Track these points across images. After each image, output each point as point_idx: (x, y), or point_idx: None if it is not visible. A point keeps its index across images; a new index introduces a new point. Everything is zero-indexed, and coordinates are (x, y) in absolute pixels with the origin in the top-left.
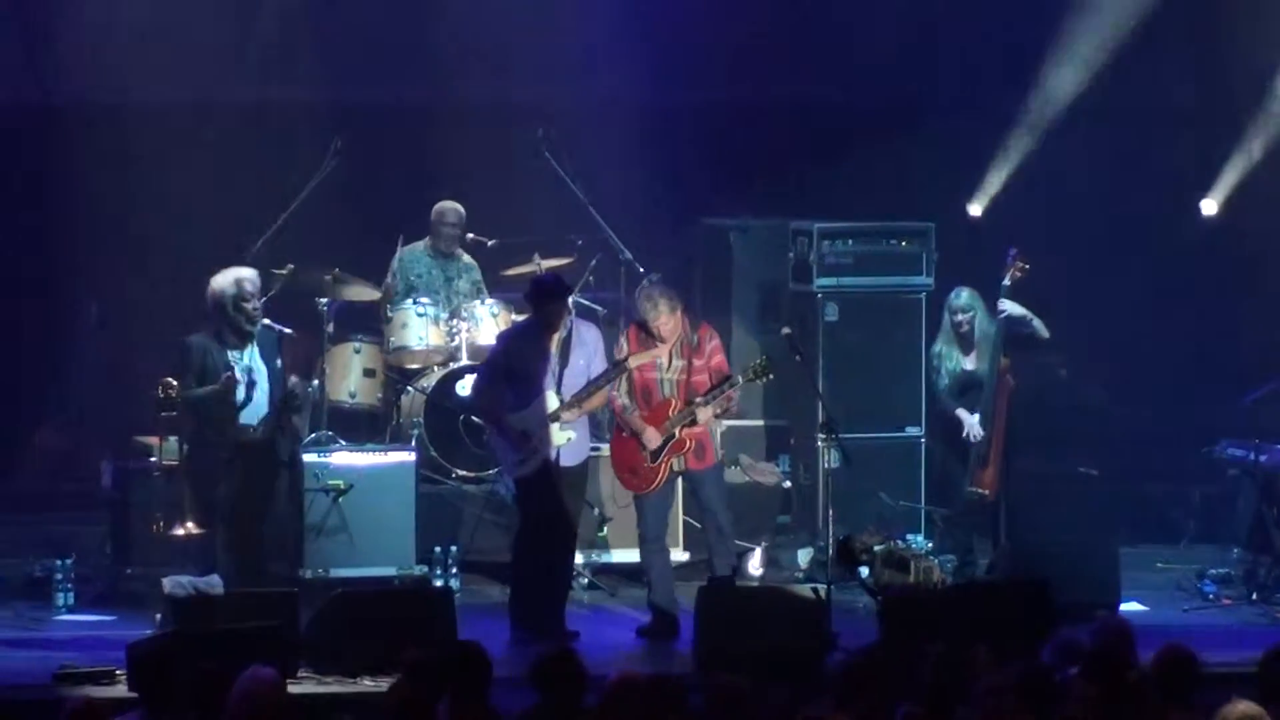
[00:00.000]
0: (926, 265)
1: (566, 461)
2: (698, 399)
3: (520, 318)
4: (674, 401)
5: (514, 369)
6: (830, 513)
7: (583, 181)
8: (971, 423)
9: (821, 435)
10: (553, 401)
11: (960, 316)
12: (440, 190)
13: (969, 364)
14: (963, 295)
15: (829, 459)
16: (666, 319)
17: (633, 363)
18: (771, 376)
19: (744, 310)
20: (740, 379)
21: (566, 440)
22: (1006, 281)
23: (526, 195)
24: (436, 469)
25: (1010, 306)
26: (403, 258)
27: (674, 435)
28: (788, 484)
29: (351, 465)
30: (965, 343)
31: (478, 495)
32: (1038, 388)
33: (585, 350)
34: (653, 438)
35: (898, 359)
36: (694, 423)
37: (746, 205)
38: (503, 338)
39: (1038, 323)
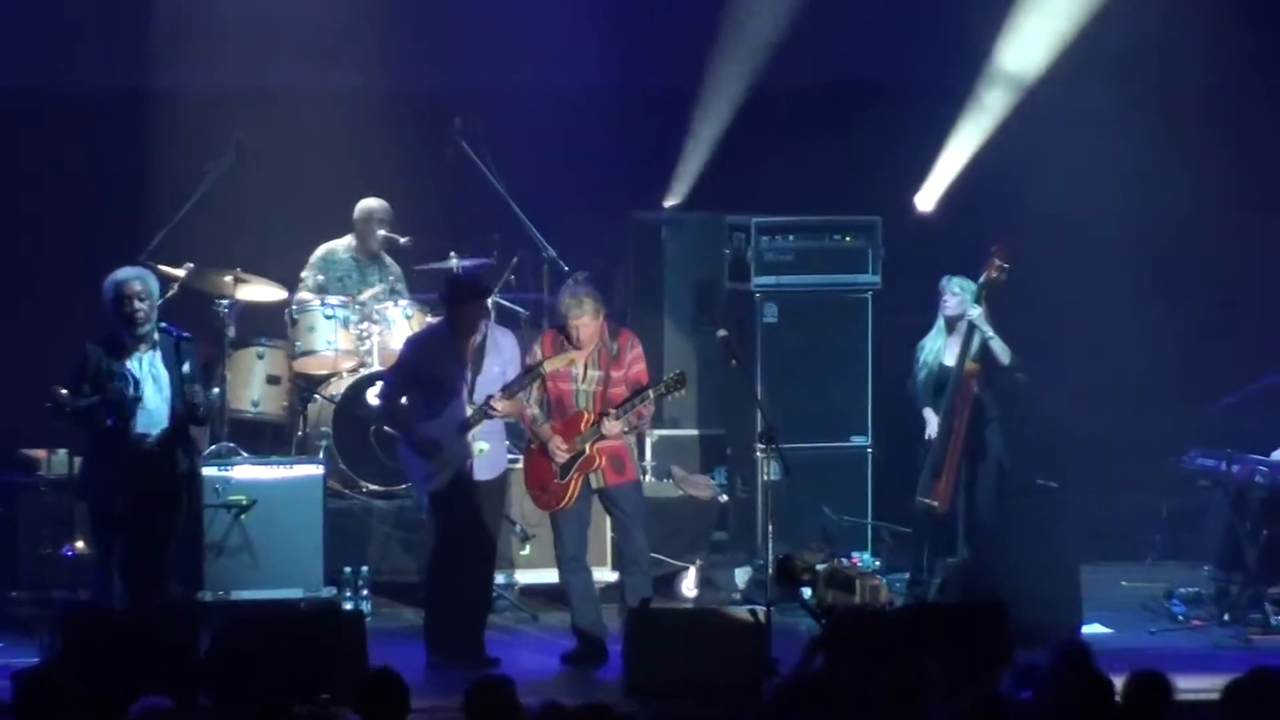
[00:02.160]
0: (873, 263)
1: (482, 475)
2: (610, 412)
3: (436, 320)
4: (587, 415)
5: (424, 375)
6: (770, 529)
7: (502, 174)
8: (931, 424)
9: (760, 445)
10: (466, 411)
11: (945, 298)
12: (349, 184)
13: (948, 358)
14: (953, 279)
15: (768, 471)
16: (588, 320)
17: (547, 367)
18: (683, 391)
19: (677, 311)
20: (650, 393)
21: (480, 452)
22: (982, 280)
23: (442, 189)
24: (346, 483)
25: (977, 315)
26: (326, 256)
27: (583, 451)
28: (724, 498)
29: (254, 479)
30: (953, 328)
31: (389, 511)
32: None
33: (500, 357)
34: (559, 449)
35: (842, 363)
36: (602, 438)
37: (679, 197)
38: (412, 341)
39: (997, 345)
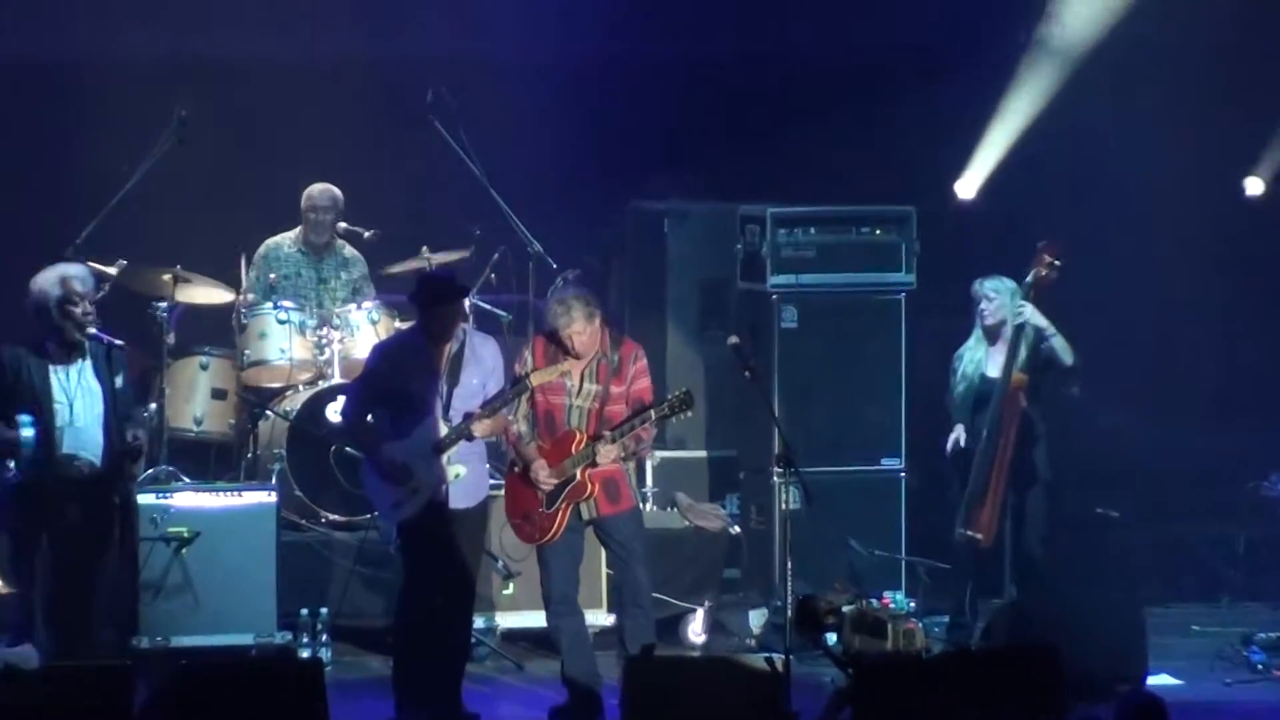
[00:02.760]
0: (906, 259)
1: (459, 502)
2: (605, 434)
3: (406, 326)
4: (580, 435)
5: (392, 388)
6: (789, 565)
7: (482, 157)
8: (956, 435)
9: (778, 469)
10: (441, 429)
11: (981, 305)
12: (308, 169)
13: (992, 369)
14: (986, 281)
15: (787, 498)
16: (582, 329)
17: (535, 380)
18: (689, 413)
19: (681, 315)
20: (652, 414)
21: (456, 476)
22: (1029, 279)
23: (412, 175)
24: (302, 512)
25: (1030, 311)
26: (267, 252)
27: (574, 476)
28: (736, 530)
29: (197, 508)
30: (994, 339)
31: (352, 545)
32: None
33: (481, 368)
34: (543, 473)
35: (871, 374)
36: (595, 464)
37: (685, 186)
38: (378, 350)
39: (1059, 342)
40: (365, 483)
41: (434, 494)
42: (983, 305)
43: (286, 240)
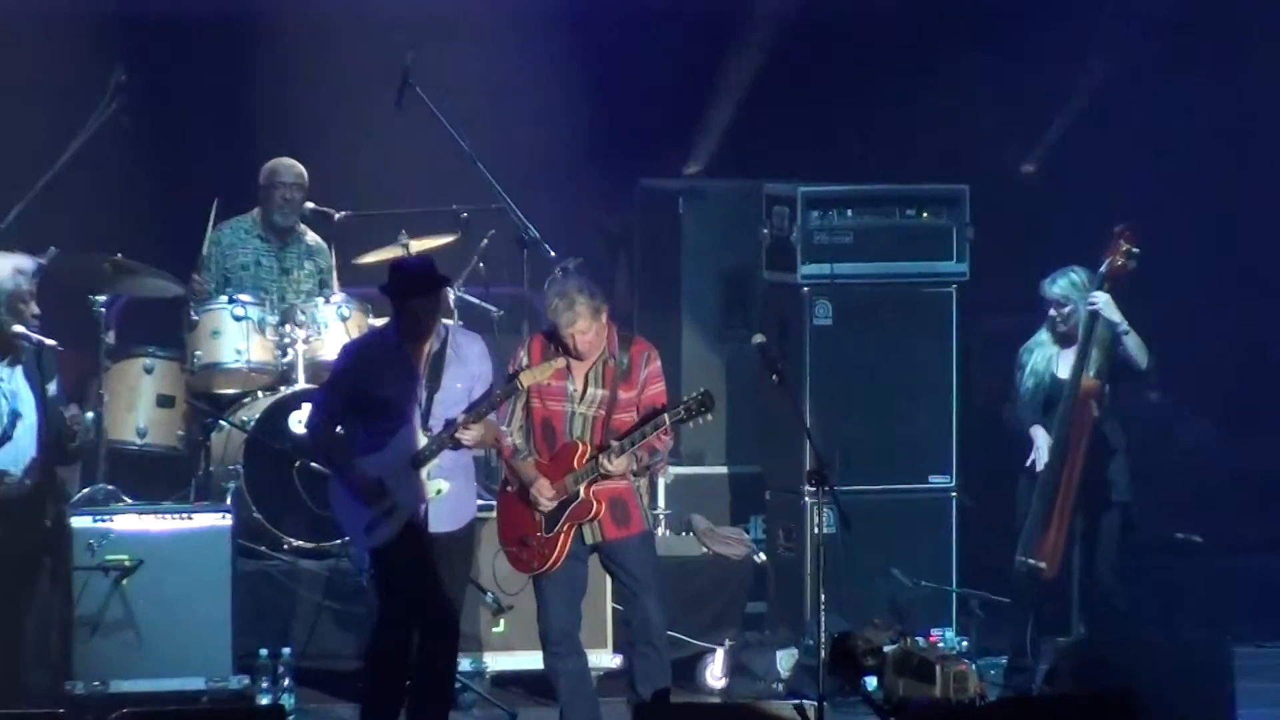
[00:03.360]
0: (958, 246)
1: (441, 525)
2: (612, 443)
3: (381, 322)
4: (584, 447)
5: (364, 393)
6: (822, 598)
7: (470, 129)
8: (1041, 448)
9: (810, 488)
10: (420, 440)
11: (1054, 311)
12: (268, 142)
13: (1064, 369)
14: (1057, 282)
15: (820, 521)
16: (585, 326)
17: (526, 380)
18: (709, 416)
19: (699, 311)
20: (667, 418)
21: (438, 493)
22: (1103, 268)
23: (390, 149)
24: (262, 537)
25: (1104, 302)
26: (220, 238)
27: (578, 494)
28: (761, 558)
29: (141, 533)
30: (1068, 342)
31: (319, 575)
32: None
33: (465, 370)
34: (545, 493)
35: (918, 379)
36: (602, 477)
37: (702, 160)
38: (348, 350)
39: (1132, 341)
40: (333, 503)
41: (412, 515)
42: (1054, 313)
43: (243, 224)
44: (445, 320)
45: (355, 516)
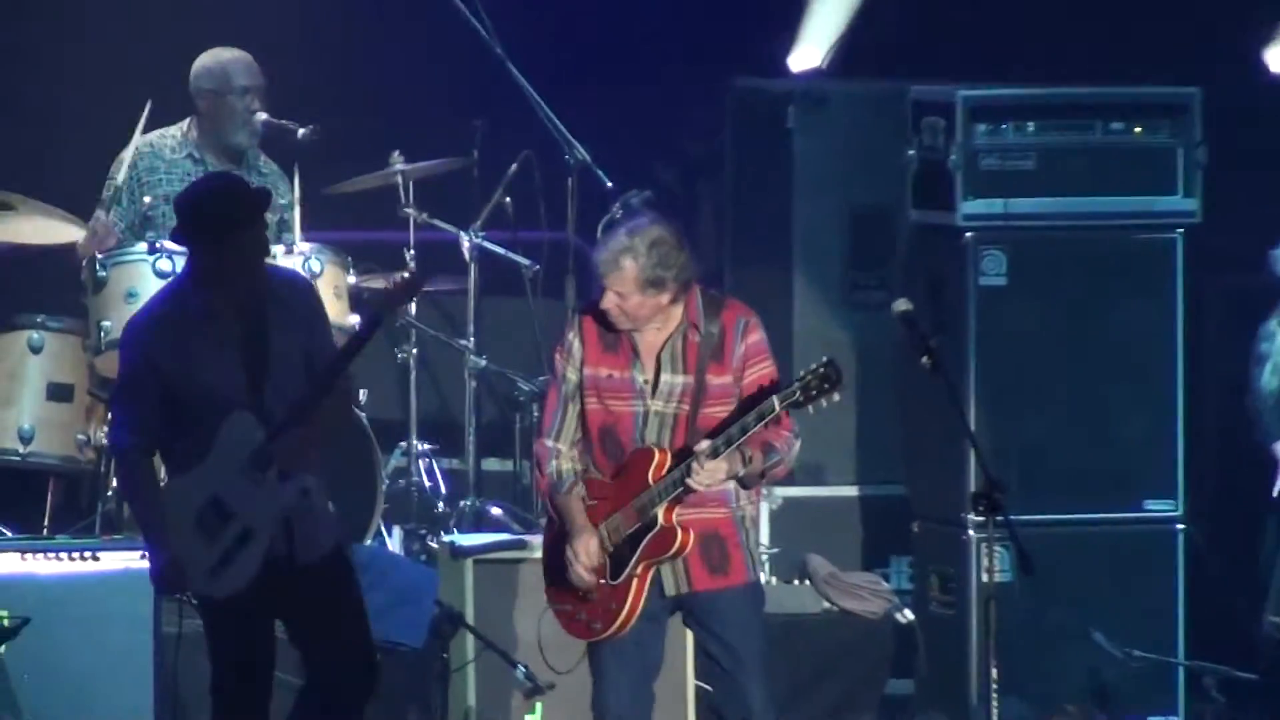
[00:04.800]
0: (1186, 175)
1: (307, 552)
2: (703, 443)
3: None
4: (662, 455)
5: (176, 385)
6: (994, 672)
7: (492, 9)
8: None
9: (976, 517)
10: (255, 430)
11: None
12: (211, 31)
13: None
14: None
15: (991, 565)
16: (629, 286)
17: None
18: (836, 397)
19: (815, 265)
20: (776, 402)
21: (305, 493)
22: None
23: (375, 34)
24: None
25: None
26: (138, 160)
27: (655, 520)
28: (907, 616)
29: (26, 579)
30: None
31: (279, 635)
32: None
33: (293, 319)
34: (584, 557)
35: (1129, 363)
36: (685, 493)
37: (821, 52)
38: (133, 330)
39: None
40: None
41: (272, 542)
42: None
43: (170, 142)
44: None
45: (192, 558)
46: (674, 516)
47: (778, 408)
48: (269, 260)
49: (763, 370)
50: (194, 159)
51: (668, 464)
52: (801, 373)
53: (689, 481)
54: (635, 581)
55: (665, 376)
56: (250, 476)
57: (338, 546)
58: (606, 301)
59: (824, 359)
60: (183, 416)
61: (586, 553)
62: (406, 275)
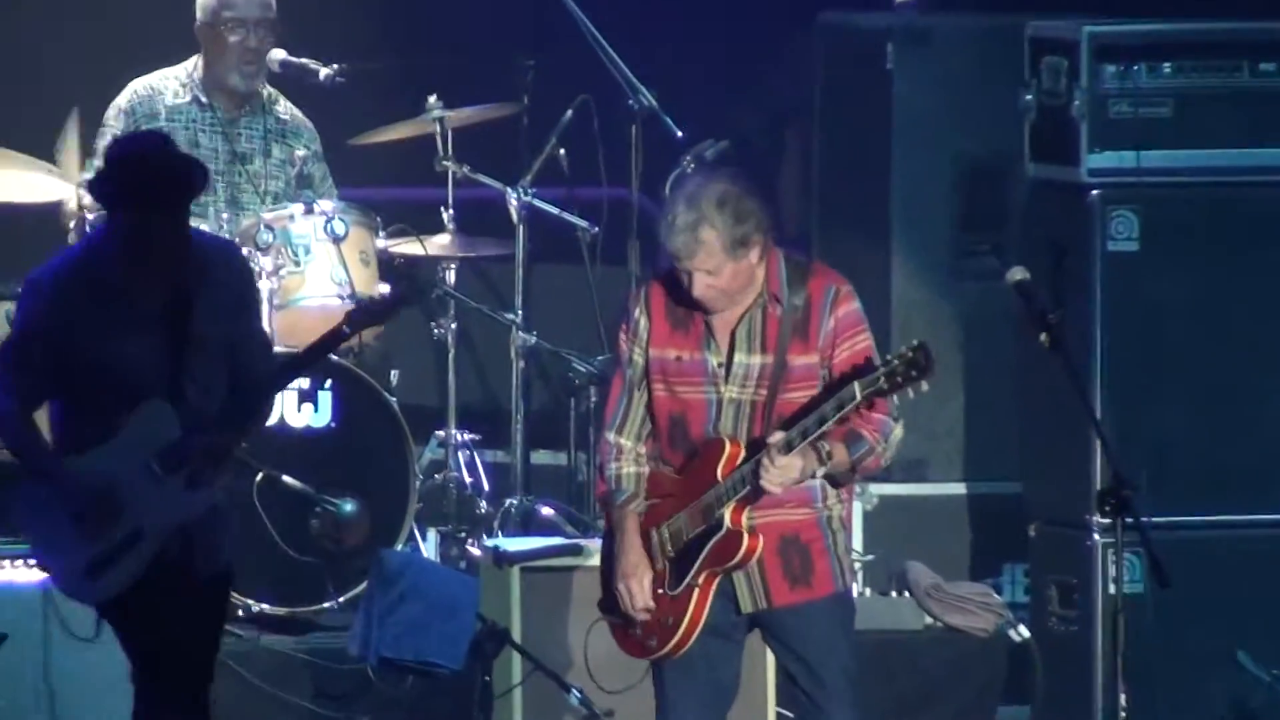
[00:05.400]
0: None
1: (205, 565)
2: (776, 435)
3: (396, 244)
4: (734, 446)
5: (73, 355)
6: (1122, 699)
7: None
8: None
9: (1103, 519)
10: (171, 421)
11: None
12: None
13: None
14: None
15: (1119, 574)
16: (716, 262)
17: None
18: (925, 386)
19: (917, 226)
20: (857, 390)
21: (213, 512)
22: None
23: None
24: None
25: None
26: (135, 105)
27: (721, 522)
28: (1022, 633)
29: (8, 589)
30: None
31: (295, 660)
32: None
33: (223, 307)
34: (633, 586)
35: (1279, 341)
36: (755, 492)
37: None
38: (39, 286)
39: None
40: (26, 525)
41: (164, 548)
42: None
43: (172, 84)
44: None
45: (66, 548)
46: (743, 519)
47: (859, 396)
48: (198, 227)
49: (857, 346)
50: (200, 103)
51: (740, 457)
52: (889, 356)
53: (765, 478)
54: (696, 593)
55: (740, 357)
56: (154, 475)
57: (228, 573)
58: (698, 289)
59: (914, 342)
60: (83, 394)
61: (632, 592)
62: (393, 291)
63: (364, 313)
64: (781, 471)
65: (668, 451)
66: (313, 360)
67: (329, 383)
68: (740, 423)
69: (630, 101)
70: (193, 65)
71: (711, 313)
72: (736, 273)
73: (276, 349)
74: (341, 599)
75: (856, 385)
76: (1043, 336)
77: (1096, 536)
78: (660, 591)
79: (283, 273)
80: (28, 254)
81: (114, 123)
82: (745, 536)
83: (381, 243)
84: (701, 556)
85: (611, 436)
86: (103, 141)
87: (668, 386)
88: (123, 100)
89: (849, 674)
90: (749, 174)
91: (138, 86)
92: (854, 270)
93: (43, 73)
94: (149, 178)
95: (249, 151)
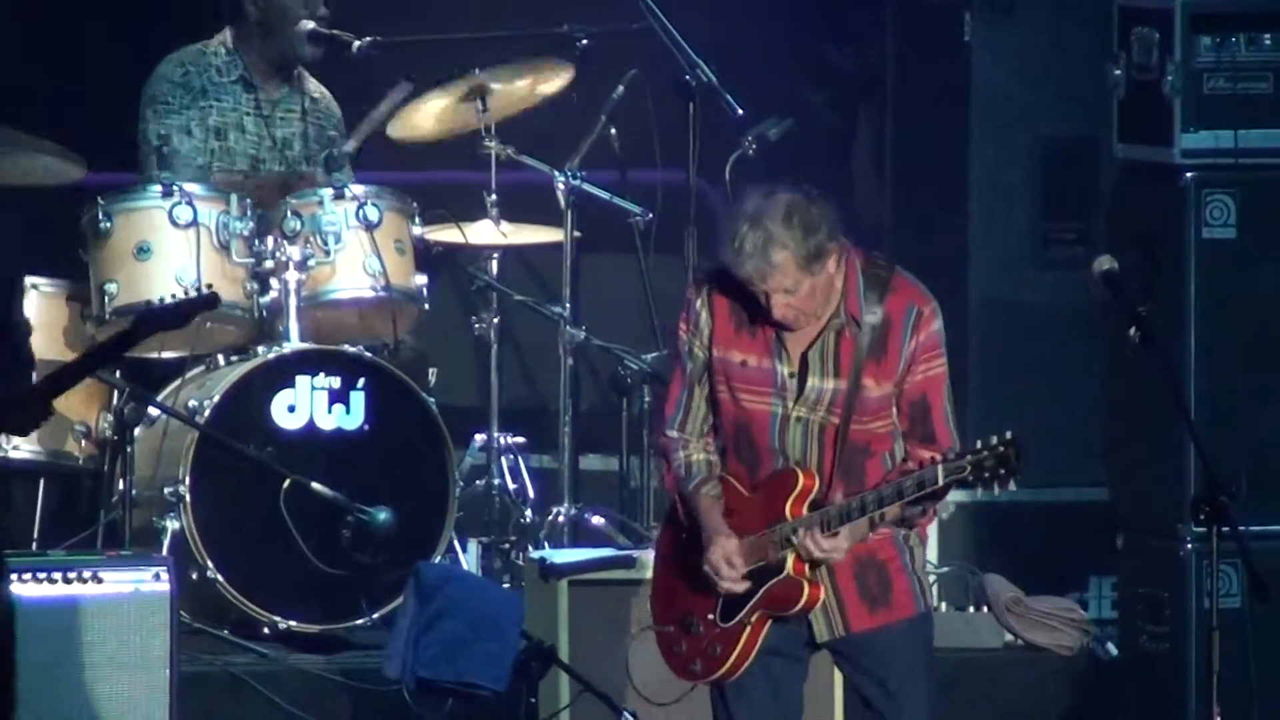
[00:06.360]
0: None
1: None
2: (826, 511)
3: (433, 230)
4: (808, 480)
5: None
6: None
7: None
8: None
9: (1198, 528)
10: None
11: None
12: None
13: None
14: None
15: (1215, 588)
16: (794, 280)
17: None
18: (1013, 485)
19: (996, 213)
20: (940, 475)
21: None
22: None
23: None
24: (223, 614)
25: None
26: (174, 78)
27: (782, 566)
28: (1110, 651)
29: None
30: None
31: (328, 680)
32: None
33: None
34: (725, 568)
35: None
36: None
37: None
38: None
39: None
40: None
41: None
42: None
43: (215, 60)
44: None
45: None
46: (806, 568)
47: (941, 480)
48: None
49: (931, 371)
50: (246, 82)
51: (813, 492)
52: (979, 444)
53: (802, 550)
54: (748, 631)
55: (813, 380)
56: None
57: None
58: (778, 311)
59: (1008, 435)
60: None
61: (728, 563)
62: (199, 295)
63: (156, 316)
64: (827, 546)
65: (733, 461)
66: (79, 378)
67: (361, 382)
68: (810, 444)
69: (686, 77)
70: (226, 38)
71: (790, 330)
72: (815, 288)
73: (276, 349)
74: (376, 615)
75: (940, 470)
76: (1132, 331)
77: (1190, 547)
78: (711, 617)
79: (311, 264)
80: (40, 245)
81: (146, 101)
82: (806, 587)
83: (417, 229)
84: (757, 596)
85: (673, 432)
86: (144, 125)
87: (731, 392)
88: (154, 77)
89: (927, 696)
90: (807, 175)
91: (165, 64)
92: (929, 262)
93: (71, 56)
94: None
95: (289, 132)
